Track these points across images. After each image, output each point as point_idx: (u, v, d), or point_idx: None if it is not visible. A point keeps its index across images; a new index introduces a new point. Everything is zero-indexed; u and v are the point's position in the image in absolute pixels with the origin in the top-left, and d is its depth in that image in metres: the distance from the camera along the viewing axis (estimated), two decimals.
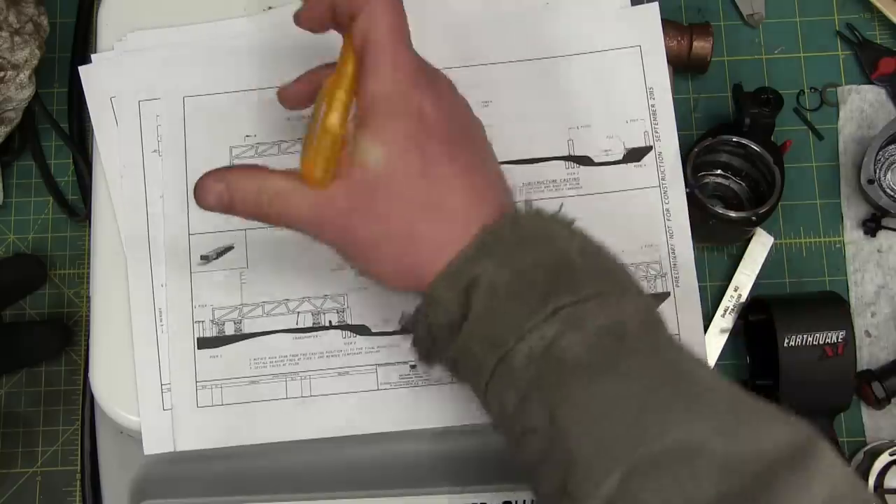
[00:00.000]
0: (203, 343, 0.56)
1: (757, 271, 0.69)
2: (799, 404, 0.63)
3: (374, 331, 0.56)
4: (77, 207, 0.70)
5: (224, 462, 0.57)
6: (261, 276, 0.57)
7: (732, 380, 0.67)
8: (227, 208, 0.46)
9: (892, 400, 0.66)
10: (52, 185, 0.70)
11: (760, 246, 0.69)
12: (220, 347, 0.56)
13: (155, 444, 0.55)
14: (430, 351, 0.45)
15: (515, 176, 0.57)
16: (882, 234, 0.70)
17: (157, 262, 0.57)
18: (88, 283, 0.64)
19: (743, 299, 0.68)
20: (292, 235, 0.57)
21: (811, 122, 0.72)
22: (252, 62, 0.59)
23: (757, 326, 0.67)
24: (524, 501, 0.57)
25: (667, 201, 0.58)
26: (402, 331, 0.46)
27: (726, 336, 0.68)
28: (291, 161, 0.58)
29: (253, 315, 0.56)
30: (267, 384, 0.55)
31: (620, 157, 0.58)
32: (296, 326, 0.56)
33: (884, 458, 0.63)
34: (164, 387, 0.55)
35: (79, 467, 0.66)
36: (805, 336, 0.63)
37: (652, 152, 0.58)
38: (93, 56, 0.60)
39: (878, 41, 0.72)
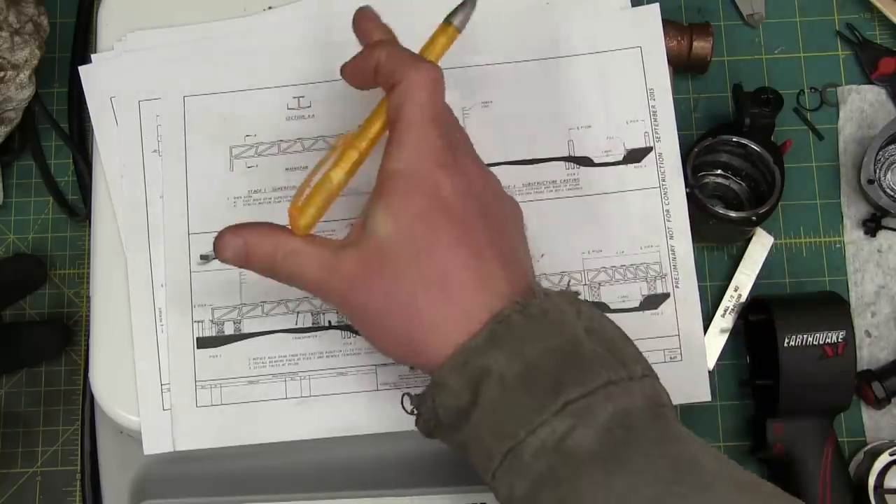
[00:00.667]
0: (202, 343, 0.56)
1: (757, 271, 0.69)
2: (799, 404, 0.63)
3: None
4: (77, 207, 0.70)
5: (224, 462, 0.57)
6: (259, 282, 0.57)
7: (735, 378, 0.68)
8: (244, 263, 0.47)
9: (892, 400, 0.66)
10: (52, 185, 0.70)
11: (760, 246, 0.69)
12: (220, 347, 0.56)
13: (155, 443, 0.55)
14: (434, 430, 0.45)
15: (515, 177, 0.58)
16: (882, 234, 0.70)
17: (157, 262, 0.57)
18: (88, 283, 0.64)
19: (743, 299, 0.68)
20: None
21: (811, 122, 0.71)
22: (252, 62, 0.59)
23: (757, 326, 0.66)
24: None
25: (667, 202, 0.58)
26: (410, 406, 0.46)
27: (726, 336, 0.68)
28: (291, 160, 0.58)
29: (252, 315, 0.56)
30: (266, 384, 0.55)
31: (620, 157, 0.58)
32: (295, 326, 0.56)
33: (884, 458, 0.63)
34: (163, 387, 0.55)
35: (79, 467, 0.66)
36: (805, 336, 0.63)
37: (652, 153, 0.58)
38: (93, 56, 0.60)
39: (878, 41, 0.72)
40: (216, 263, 0.57)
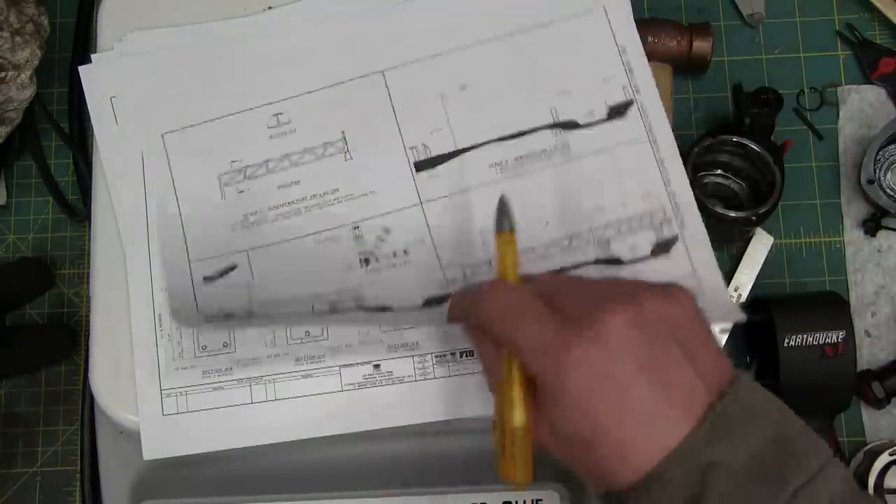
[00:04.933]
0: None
1: (757, 271, 0.69)
2: (799, 404, 0.63)
3: (395, 308, 0.56)
4: (77, 207, 0.70)
5: (224, 462, 0.57)
6: (268, 288, 0.57)
7: None
8: None
9: (892, 400, 0.66)
10: (52, 185, 0.70)
11: (760, 246, 0.69)
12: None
13: (152, 449, 0.55)
14: None
15: (505, 153, 0.58)
16: (882, 234, 0.70)
17: (157, 266, 0.57)
18: (88, 283, 0.64)
19: (743, 299, 0.68)
20: (294, 250, 0.57)
21: (811, 122, 0.71)
22: (225, 86, 0.59)
23: (757, 326, 0.67)
24: (524, 501, 0.57)
25: (658, 150, 0.58)
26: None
27: (726, 336, 0.68)
28: (282, 178, 0.58)
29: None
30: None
31: (604, 115, 0.58)
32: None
33: (884, 458, 0.63)
34: (163, 392, 0.55)
35: (79, 467, 0.66)
36: (805, 336, 0.63)
37: (634, 106, 0.58)
38: (93, 56, 0.60)
39: (878, 41, 0.72)
40: (221, 282, 0.57)
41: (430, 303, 0.56)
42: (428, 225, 0.57)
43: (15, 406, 0.68)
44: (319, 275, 0.57)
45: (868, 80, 0.72)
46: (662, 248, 0.57)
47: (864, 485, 0.63)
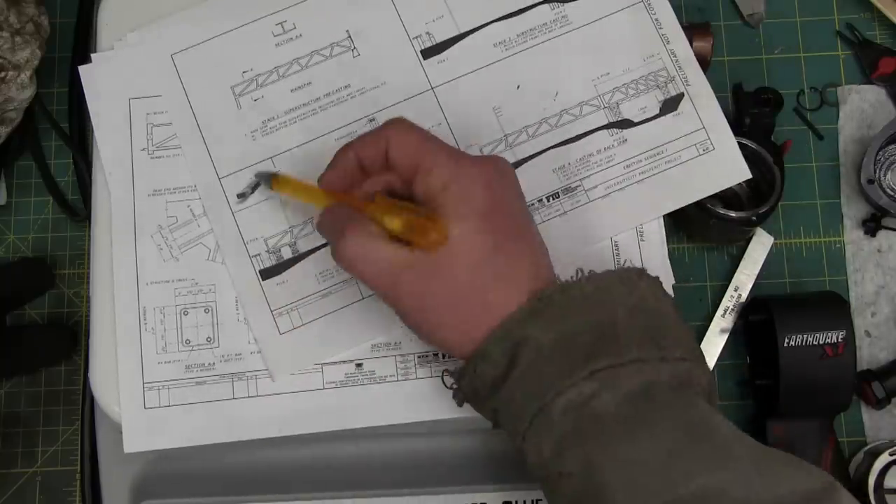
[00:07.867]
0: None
1: (757, 271, 0.69)
2: (799, 404, 0.63)
3: None
4: (77, 207, 0.70)
5: (224, 462, 0.57)
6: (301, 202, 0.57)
7: (735, 378, 0.68)
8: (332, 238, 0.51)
9: (892, 400, 0.66)
10: (52, 185, 0.70)
11: (760, 246, 0.69)
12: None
13: (133, 443, 0.55)
14: (471, 400, 0.49)
15: (506, 30, 0.60)
16: (882, 234, 0.70)
17: (143, 260, 0.57)
18: (88, 283, 0.64)
19: (743, 299, 0.68)
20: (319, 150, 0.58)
21: (811, 122, 0.71)
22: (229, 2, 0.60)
23: (757, 326, 0.67)
24: (524, 502, 0.57)
25: (653, 13, 0.60)
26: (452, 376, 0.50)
27: (726, 336, 0.68)
28: (293, 81, 0.59)
29: (305, 233, 0.57)
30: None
31: None
32: None
33: (884, 458, 0.63)
34: (145, 386, 0.55)
35: (79, 467, 0.66)
36: (805, 336, 0.63)
37: None
38: (93, 56, 0.60)
39: (878, 41, 0.72)
40: (255, 197, 0.58)
41: None
42: (442, 108, 0.59)
43: (15, 406, 0.68)
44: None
45: (868, 80, 0.72)
46: (670, 105, 0.60)
47: (864, 485, 0.63)
